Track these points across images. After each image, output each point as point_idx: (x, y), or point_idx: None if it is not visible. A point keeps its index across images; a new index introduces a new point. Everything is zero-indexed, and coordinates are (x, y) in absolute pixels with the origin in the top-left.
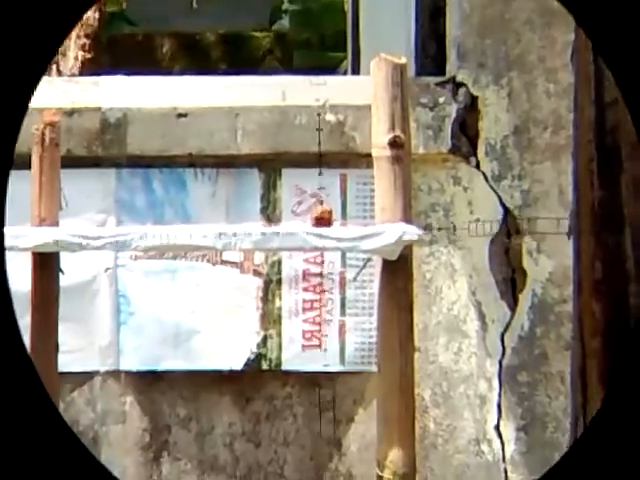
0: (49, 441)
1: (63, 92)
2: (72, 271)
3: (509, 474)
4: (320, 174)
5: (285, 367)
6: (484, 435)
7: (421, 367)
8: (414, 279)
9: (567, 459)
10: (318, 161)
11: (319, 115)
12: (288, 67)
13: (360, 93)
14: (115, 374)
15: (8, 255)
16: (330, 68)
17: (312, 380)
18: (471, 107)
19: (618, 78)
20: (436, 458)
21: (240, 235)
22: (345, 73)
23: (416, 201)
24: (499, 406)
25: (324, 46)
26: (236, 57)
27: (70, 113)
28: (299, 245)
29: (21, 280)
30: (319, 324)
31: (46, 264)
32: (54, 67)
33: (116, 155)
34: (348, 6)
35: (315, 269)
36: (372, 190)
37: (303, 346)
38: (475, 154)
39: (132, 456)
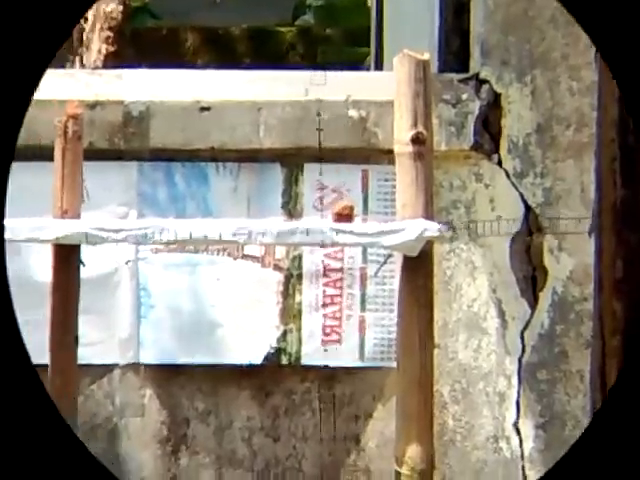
0: (45, 436)
1: (86, 85)
2: (93, 264)
3: (527, 471)
4: (321, 174)
5: (304, 362)
6: (503, 432)
7: (440, 364)
8: (434, 276)
9: (574, 452)
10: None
11: (319, 115)
12: (311, 62)
13: (383, 89)
14: (135, 367)
15: (30, 247)
16: (354, 63)
17: (331, 375)
18: (494, 104)
19: (618, 78)
20: (454, 454)
21: (261, 229)
22: (368, 69)
23: (437, 198)
24: (518, 403)
25: (348, 41)
26: (259, 52)
27: (93, 106)
28: (320, 240)
29: (42, 272)
30: (339, 319)
31: (67, 256)
32: (77, 60)
33: (138, 148)
34: (372, 1)
35: (336, 264)
36: (393, 186)
37: (323, 341)
38: (497, 151)
39: (150, 449)
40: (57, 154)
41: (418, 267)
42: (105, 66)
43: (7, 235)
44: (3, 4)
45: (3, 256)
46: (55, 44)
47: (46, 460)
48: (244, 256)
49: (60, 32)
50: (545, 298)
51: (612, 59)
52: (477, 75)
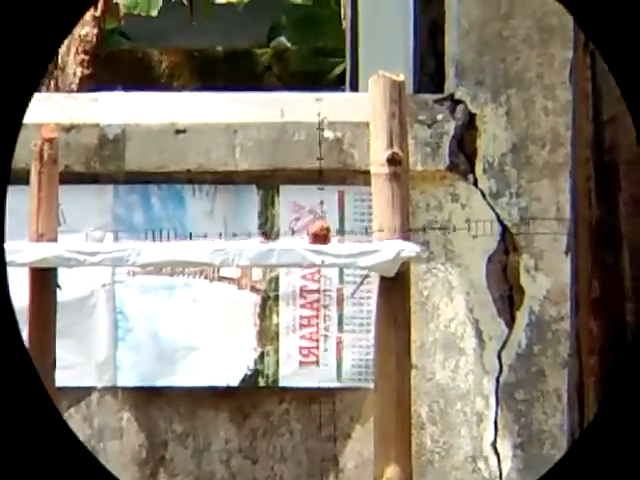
0: (55, 450)
1: (62, 108)
2: (69, 287)
3: None
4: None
5: (282, 383)
6: (481, 452)
7: (418, 384)
8: (411, 296)
9: (558, 470)
10: (317, 176)
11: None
12: (287, 84)
13: (358, 110)
14: (112, 390)
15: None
16: (325, 72)
17: (309, 396)
18: (469, 124)
19: (619, 78)
20: (433, 475)
21: (237, 251)
22: (342, 80)
23: (414, 218)
24: (496, 423)
25: (320, 53)
26: (235, 74)
27: (68, 129)
28: (297, 261)
29: (18, 295)
30: (316, 340)
31: (44, 280)
32: (53, 83)
33: (114, 171)
34: (347, 23)
35: (312, 285)
36: (370, 207)
37: (300, 362)
38: (473, 171)
39: (129, 472)
40: (33, 177)
41: (395, 288)
42: (80, 89)
43: None
44: None
45: (5, 279)
46: (47, 60)
47: (50, 468)
48: (220, 278)
49: (50, 49)
50: (522, 318)
51: (612, 59)
52: (452, 96)
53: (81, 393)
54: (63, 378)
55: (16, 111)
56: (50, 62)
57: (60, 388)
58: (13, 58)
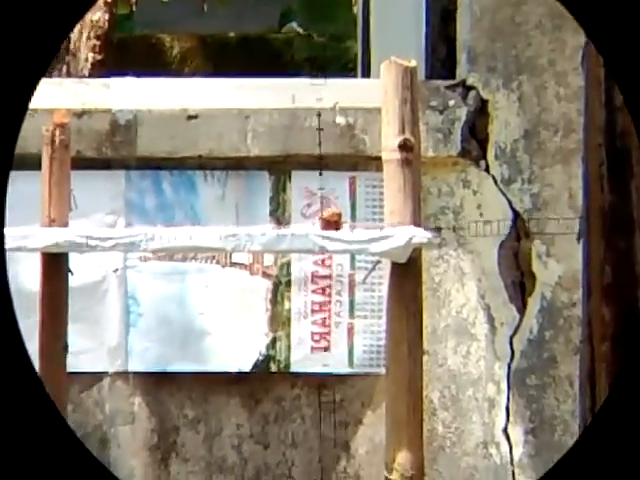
0: (52, 444)
1: (73, 93)
2: (81, 272)
3: (517, 477)
4: (321, 174)
5: (294, 369)
6: (492, 438)
7: (430, 370)
8: (423, 282)
9: (568, 459)
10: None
11: (319, 115)
12: (298, 70)
13: (370, 96)
14: (124, 375)
15: (18, 255)
16: (336, 58)
17: (320, 382)
18: (481, 110)
19: (621, 84)
20: (444, 461)
21: (249, 237)
22: (354, 66)
23: (425, 204)
24: (507, 409)
25: (332, 39)
26: (246, 59)
27: (80, 114)
28: (308, 247)
29: (30, 280)
30: (328, 326)
31: (55, 265)
32: (64, 68)
33: (126, 157)
34: (358, 9)
35: (324, 271)
36: (381, 193)
37: (312, 348)
38: (485, 157)
39: (140, 457)
40: (45, 163)
41: (406, 274)
42: (92, 74)
43: None
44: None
45: (4, 264)
46: (54, 46)
47: (49, 464)
48: (232, 264)
49: (56, 40)
50: (534, 304)
51: (611, 59)
52: (464, 82)
53: (93, 378)
54: (75, 363)
55: (21, 97)
56: (59, 49)
57: (72, 373)
58: (22, 43)
